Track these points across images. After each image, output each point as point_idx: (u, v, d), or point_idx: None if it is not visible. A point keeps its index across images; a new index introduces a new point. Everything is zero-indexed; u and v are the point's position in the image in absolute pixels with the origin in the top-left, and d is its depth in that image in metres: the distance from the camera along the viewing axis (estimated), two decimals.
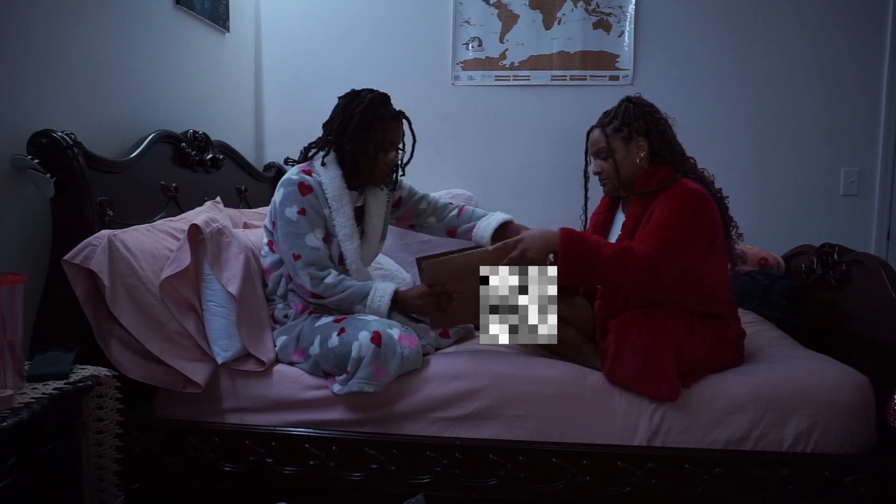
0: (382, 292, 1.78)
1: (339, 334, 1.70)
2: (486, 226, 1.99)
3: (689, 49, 2.89)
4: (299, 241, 1.77)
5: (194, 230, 1.77)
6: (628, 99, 1.90)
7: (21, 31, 1.69)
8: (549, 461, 1.64)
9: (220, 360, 1.75)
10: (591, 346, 1.86)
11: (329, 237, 1.84)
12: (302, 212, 1.79)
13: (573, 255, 1.67)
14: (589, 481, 1.63)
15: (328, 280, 1.77)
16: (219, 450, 1.71)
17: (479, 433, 1.69)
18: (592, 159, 1.94)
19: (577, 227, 2.06)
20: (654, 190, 1.79)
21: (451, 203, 2.11)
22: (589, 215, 2.09)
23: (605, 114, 1.92)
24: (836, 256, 2.13)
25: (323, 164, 1.86)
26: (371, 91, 1.87)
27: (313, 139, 1.94)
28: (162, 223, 1.92)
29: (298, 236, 1.78)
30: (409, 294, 1.79)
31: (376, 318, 1.74)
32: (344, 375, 1.68)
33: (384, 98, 1.87)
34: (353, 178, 1.88)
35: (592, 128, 1.93)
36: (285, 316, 1.88)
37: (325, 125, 1.91)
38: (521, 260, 1.72)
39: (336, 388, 1.69)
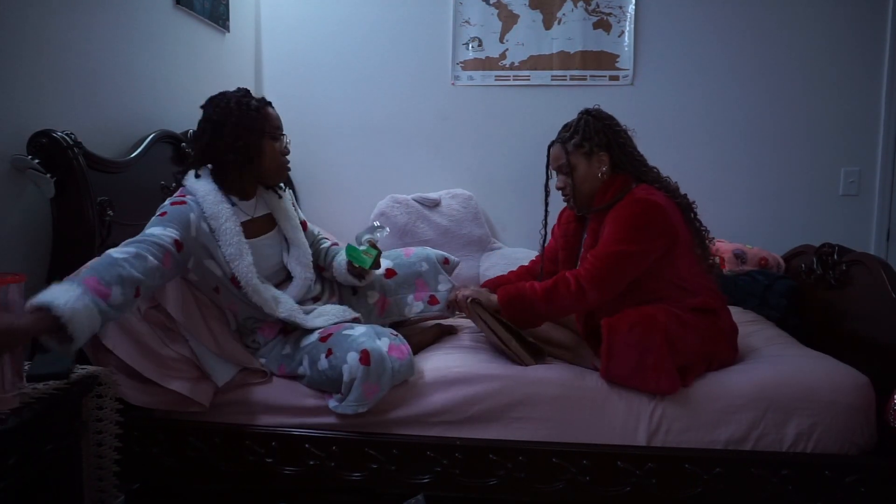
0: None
1: (327, 356, 1.66)
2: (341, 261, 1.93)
3: (689, 49, 2.89)
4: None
5: None
6: (587, 112, 1.88)
7: (21, 31, 1.68)
8: (550, 461, 1.64)
9: (219, 385, 1.73)
10: (586, 346, 1.85)
11: (210, 259, 1.68)
12: (163, 214, 1.64)
13: (513, 308, 1.78)
14: (589, 481, 1.63)
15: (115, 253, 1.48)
16: (219, 450, 1.71)
17: (478, 436, 1.68)
18: (554, 174, 1.93)
19: (538, 240, 2.07)
20: (610, 204, 1.80)
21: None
22: (549, 230, 2.06)
23: (566, 128, 1.89)
24: (836, 256, 2.13)
25: (198, 175, 1.73)
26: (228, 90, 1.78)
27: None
28: None
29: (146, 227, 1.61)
30: None
31: (363, 332, 1.67)
32: (339, 395, 1.66)
33: (248, 91, 1.79)
34: (236, 183, 1.76)
35: (553, 142, 1.91)
36: (253, 341, 1.81)
37: (195, 139, 1.79)
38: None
39: (332, 403, 1.67)
